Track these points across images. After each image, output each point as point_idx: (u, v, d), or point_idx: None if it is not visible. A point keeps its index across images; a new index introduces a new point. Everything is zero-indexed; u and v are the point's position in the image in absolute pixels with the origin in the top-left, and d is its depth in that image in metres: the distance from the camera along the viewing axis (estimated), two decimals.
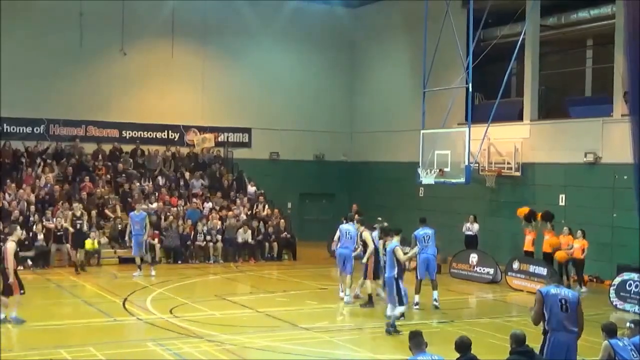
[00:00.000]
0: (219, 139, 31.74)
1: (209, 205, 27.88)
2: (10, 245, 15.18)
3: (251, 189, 29.72)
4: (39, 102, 28.12)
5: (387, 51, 32.67)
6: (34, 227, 23.84)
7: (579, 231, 21.44)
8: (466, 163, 21.37)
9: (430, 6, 23.77)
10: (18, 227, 16.97)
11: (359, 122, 34.12)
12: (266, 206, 28.79)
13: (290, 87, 33.07)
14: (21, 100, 27.53)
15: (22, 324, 15.21)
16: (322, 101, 33.71)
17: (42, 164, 27.24)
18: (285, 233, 27.64)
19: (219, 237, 26.28)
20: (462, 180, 21.60)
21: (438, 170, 22.00)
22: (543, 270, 21.10)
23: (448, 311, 17.89)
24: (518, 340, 9.36)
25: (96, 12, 28.56)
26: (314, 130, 33.01)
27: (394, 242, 15.62)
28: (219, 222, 26.70)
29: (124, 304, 17.84)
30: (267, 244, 27.07)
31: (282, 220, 27.89)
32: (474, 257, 23.09)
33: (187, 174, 29.58)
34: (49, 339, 14.27)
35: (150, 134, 30.72)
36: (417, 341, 8.73)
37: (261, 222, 27.58)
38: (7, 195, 24.87)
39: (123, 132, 30.14)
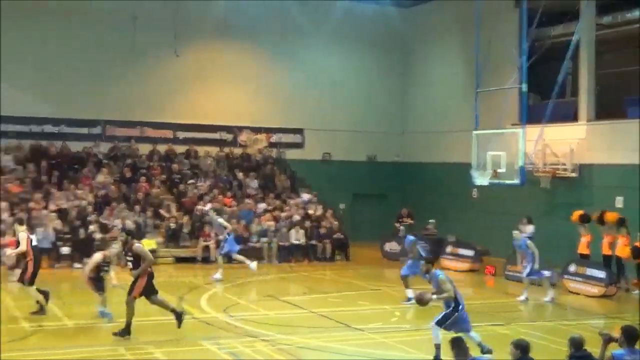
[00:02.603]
0: (272, 140, 31.94)
1: (262, 205, 28.06)
2: (97, 256, 15.88)
3: (305, 196, 29.56)
4: (96, 103, 28.57)
5: (439, 51, 32.51)
6: (90, 226, 24.21)
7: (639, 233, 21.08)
8: (520, 164, 21.22)
9: (483, 6, 23.64)
10: (114, 245, 17.49)
11: (411, 122, 33.98)
12: (319, 207, 28.88)
13: (342, 88, 33.09)
14: (78, 101, 28.11)
15: (108, 317, 15.68)
16: (374, 101, 33.68)
17: (99, 164, 27.75)
18: (338, 234, 27.69)
19: (273, 237, 26.47)
20: (517, 181, 21.47)
21: (492, 171, 21.88)
22: (601, 274, 20.80)
23: (503, 314, 17.77)
24: (576, 345, 9.29)
25: (149, 14, 28.90)
26: (366, 131, 33.02)
27: None
28: (273, 223, 26.87)
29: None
30: (320, 244, 27.18)
31: (335, 221, 27.94)
32: None
33: (240, 175, 29.80)
34: (108, 337, 14.50)
35: (204, 135, 30.99)
36: (462, 350, 8.42)
37: (314, 223, 27.69)
38: (66, 196, 25.38)
39: (177, 133, 30.51)
